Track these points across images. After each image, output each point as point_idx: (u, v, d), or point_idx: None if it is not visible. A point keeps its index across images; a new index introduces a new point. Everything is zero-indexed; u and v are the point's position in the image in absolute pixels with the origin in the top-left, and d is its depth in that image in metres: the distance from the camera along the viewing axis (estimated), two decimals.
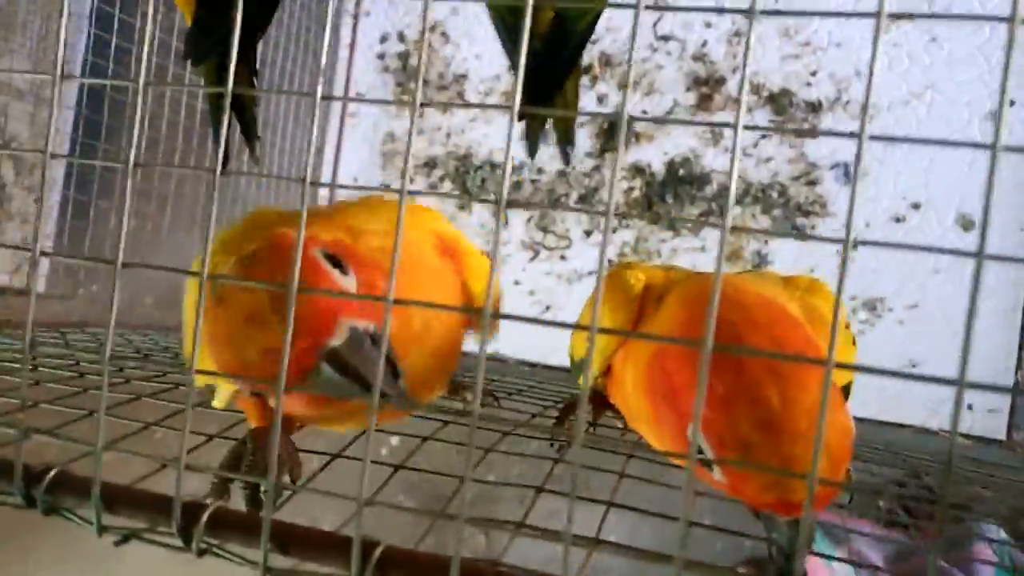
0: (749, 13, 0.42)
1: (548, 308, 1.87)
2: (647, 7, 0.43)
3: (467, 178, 1.93)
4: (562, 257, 1.88)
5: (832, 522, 1.21)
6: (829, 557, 0.94)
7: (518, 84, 0.43)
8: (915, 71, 1.72)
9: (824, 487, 0.48)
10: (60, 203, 1.41)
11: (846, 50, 1.76)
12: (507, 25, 0.82)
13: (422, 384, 0.63)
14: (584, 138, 1.87)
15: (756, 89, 1.80)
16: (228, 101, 0.48)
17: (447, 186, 1.94)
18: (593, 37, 1.86)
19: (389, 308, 0.45)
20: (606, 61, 1.87)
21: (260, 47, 1.13)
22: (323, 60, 0.47)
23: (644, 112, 1.85)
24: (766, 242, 1.78)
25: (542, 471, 0.69)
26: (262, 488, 0.62)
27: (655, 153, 1.85)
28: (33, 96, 1.37)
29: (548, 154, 1.59)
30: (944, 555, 1.24)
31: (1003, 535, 1.24)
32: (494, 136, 1.92)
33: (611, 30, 1.86)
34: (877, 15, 0.40)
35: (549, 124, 0.98)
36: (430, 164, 1.95)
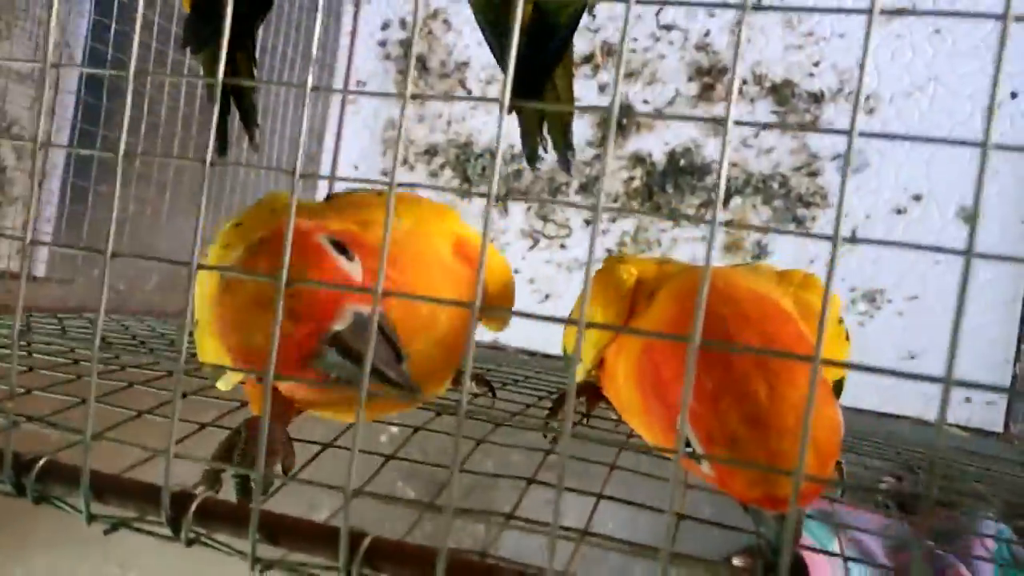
0: (741, 8, 0.42)
1: (548, 296, 1.87)
2: (638, 2, 0.43)
3: (467, 166, 1.93)
4: (562, 246, 1.88)
5: (832, 511, 1.22)
6: (831, 554, 0.95)
7: (507, 79, 0.43)
8: (918, 63, 1.72)
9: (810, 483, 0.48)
10: (60, 188, 1.41)
11: (849, 40, 1.75)
12: (488, 21, 0.81)
13: (428, 375, 0.63)
14: (585, 127, 1.86)
15: (758, 80, 1.79)
16: (219, 91, 0.48)
17: (447, 174, 1.94)
18: (595, 26, 1.86)
19: (378, 296, 0.45)
20: (608, 51, 1.86)
21: (260, 33, 1.12)
22: (314, 51, 0.47)
23: (645, 101, 1.84)
24: (766, 233, 1.78)
25: (538, 459, 0.70)
26: (252, 478, 0.62)
27: (656, 143, 1.84)
28: (34, 80, 1.37)
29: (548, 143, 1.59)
30: (941, 547, 1.25)
31: (1001, 528, 1.24)
32: (495, 124, 1.91)
33: (613, 19, 1.85)
34: (869, 12, 0.40)
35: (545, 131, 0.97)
36: (431, 152, 1.95)
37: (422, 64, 1.94)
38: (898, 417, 1.64)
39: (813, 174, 1.77)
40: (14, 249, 1.35)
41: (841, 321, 0.70)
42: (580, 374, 0.72)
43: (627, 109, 1.83)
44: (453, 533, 0.43)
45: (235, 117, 1.06)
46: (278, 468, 0.62)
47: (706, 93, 1.82)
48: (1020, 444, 1.59)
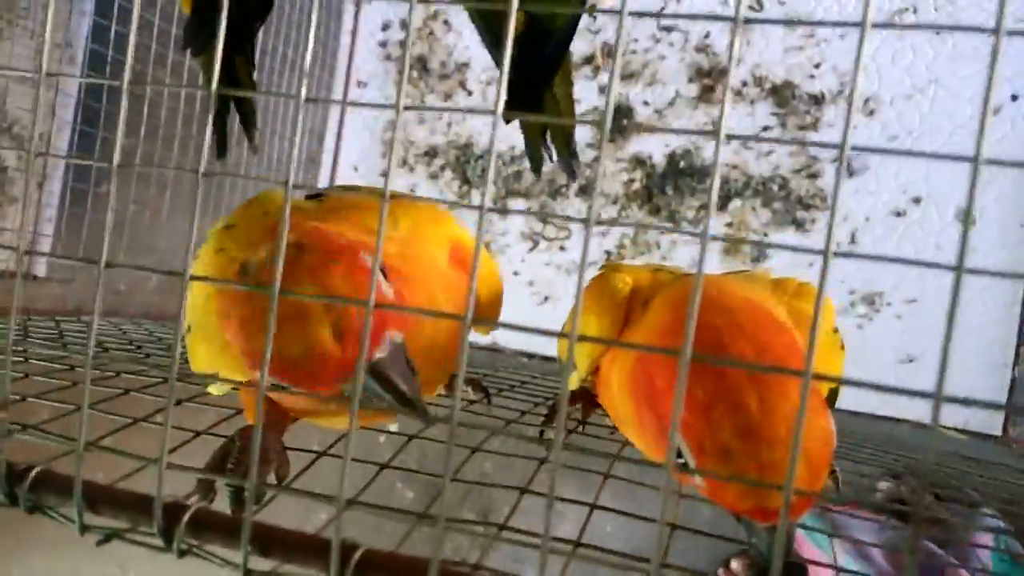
0: (733, 21, 0.41)
1: (547, 299, 1.88)
2: (631, 14, 0.43)
3: (467, 167, 1.93)
4: (561, 248, 1.88)
5: (832, 511, 1.22)
6: (830, 567, 0.95)
7: (501, 87, 0.43)
8: (919, 65, 1.71)
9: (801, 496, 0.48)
10: (60, 190, 1.41)
11: (850, 42, 1.75)
12: (486, 26, 0.81)
13: (425, 384, 0.64)
14: (585, 129, 1.86)
15: (759, 81, 1.79)
16: (213, 99, 0.48)
17: (447, 175, 1.94)
18: (596, 27, 1.86)
19: (370, 311, 0.45)
20: (608, 52, 1.86)
21: (260, 35, 1.12)
22: (307, 61, 0.47)
23: (646, 103, 1.84)
24: (766, 235, 1.78)
25: (538, 458, 0.70)
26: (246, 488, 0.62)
27: (656, 144, 1.84)
28: (34, 81, 1.37)
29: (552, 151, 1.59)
30: (939, 540, 1.25)
31: (999, 523, 1.24)
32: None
33: (615, 19, 1.84)
34: (861, 24, 0.40)
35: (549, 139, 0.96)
36: (431, 153, 1.95)
37: (422, 65, 1.94)
38: (897, 420, 1.64)
39: (813, 176, 1.77)
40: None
41: (836, 330, 0.69)
42: (575, 382, 0.72)
43: (625, 113, 1.83)
44: (450, 535, 0.43)
45: (235, 118, 1.07)
46: (272, 477, 0.62)
47: (706, 95, 1.82)
48: (1019, 448, 1.59)
